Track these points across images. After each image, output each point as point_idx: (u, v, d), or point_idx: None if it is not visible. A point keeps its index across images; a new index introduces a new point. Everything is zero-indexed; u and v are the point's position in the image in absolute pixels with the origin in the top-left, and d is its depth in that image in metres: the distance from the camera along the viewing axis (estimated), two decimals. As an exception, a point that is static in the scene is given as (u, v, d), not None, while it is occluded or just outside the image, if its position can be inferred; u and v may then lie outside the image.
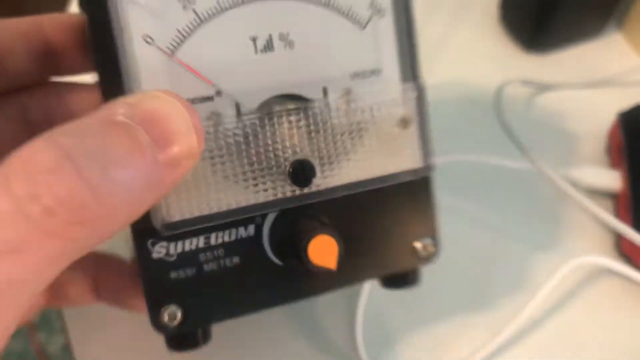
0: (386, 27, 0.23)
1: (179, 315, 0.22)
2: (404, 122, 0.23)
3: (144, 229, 0.21)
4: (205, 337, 0.24)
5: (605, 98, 0.43)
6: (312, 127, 0.21)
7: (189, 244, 0.22)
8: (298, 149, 0.21)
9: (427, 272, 0.33)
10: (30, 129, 0.25)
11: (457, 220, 0.36)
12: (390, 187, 0.23)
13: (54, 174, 0.14)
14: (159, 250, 0.21)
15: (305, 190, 0.22)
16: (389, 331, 0.32)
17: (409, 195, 0.24)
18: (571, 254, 0.32)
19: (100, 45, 0.19)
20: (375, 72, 0.23)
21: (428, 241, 0.25)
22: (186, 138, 0.17)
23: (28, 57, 0.24)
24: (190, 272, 0.22)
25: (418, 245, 0.25)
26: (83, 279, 0.27)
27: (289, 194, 0.21)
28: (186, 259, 0.22)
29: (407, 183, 0.23)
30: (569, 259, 0.32)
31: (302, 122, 0.21)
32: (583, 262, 0.32)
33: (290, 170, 0.21)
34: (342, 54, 0.22)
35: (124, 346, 0.31)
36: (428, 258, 0.25)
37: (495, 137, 0.36)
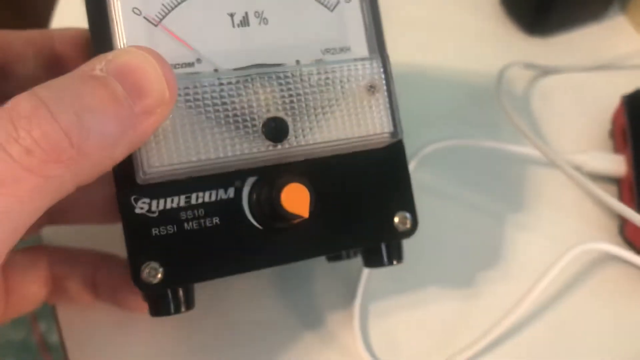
0: (353, 10, 0.25)
1: (159, 273, 0.22)
2: (372, 89, 0.24)
3: (128, 185, 0.22)
4: (188, 304, 0.24)
5: (609, 81, 0.42)
6: (284, 88, 0.23)
7: (171, 202, 0.23)
8: (272, 108, 0.23)
9: (430, 258, 0.33)
10: None
11: (460, 206, 0.35)
12: (366, 160, 0.25)
13: (31, 118, 0.16)
14: (141, 206, 0.22)
15: (279, 146, 0.23)
16: (388, 320, 0.31)
17: (384, 168, 0.26)
18: (575, 241, 0.31)
19: (94, 16, 0.22)
20: (344, 49, 0.25)
21: (406, 215, 0.26)
22: (158, 87, 0.18)
23: (36, 64, 0.25)
24: (171, 229, 0.23)
25: (396, 219, 0.26)
26: (82, 275, 0.28)
27: (263, 148, 0.23)
28: (168, 216, 0.22)
29: (383, 157, 0.25)
30: (573, 245, 0.31)
31: (275, 83, 0.23)
32: (587, 248, 0.31)
33: (264, 126, 0.23)
34: (313, 32, 0.24)
35: (117, 345, 0.30)
36: (406, 232, 0.26)
37: (498, 122, 0.36)
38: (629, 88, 0.38)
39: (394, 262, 0.27)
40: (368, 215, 0.25)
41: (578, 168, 0.36)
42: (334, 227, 0.25)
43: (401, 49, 0.42)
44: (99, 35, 0.22)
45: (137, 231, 0.22)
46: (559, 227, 0.34)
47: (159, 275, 0.22)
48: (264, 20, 0.23)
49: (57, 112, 0.17)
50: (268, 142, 0.23)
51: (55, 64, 0.26)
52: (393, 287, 0.32)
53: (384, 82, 0.25)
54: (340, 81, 0.24)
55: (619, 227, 0.34)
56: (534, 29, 0.44)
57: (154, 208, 0.22)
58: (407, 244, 0.30)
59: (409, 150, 0.36)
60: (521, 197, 0.36)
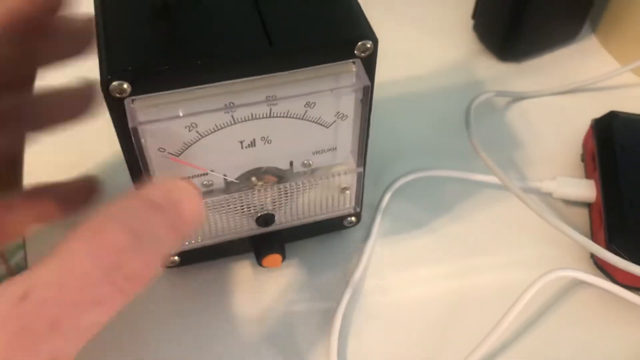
0: (346, 124, 0.28)
1: None
2: (345, 189, 0.31)
3: None
4: None
5: (581, 104, 0.43)
6: (276, 195, 0.29)
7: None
8: (265, 206, 0.30)
9: (401, 288, 0.33)
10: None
11: (431, 236, 0.36)
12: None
13: (129, 252, 0.19)
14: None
15: (267, 229, 0.31)
16: (365, 350, 0.32)
17: None
18: (547, 267, 0.32)
19: (128, 153, 0.25)
20: (331, 149, 0.29)
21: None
22: (198, 219, 0.22)
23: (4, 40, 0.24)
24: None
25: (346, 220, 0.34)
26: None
27: (254, 228, 0.31)
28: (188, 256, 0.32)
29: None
30: (545, 272, 0.32)
31: (269, 191, 0.29)
32: (559, 275, 0.32)
33: (257, 219, 0.30)
34: (308, 142, 0.28)
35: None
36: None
37: (470, 151, 0.36)
38: (601, 110, 0.38)
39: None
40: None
41: (549, 194, 0.37)
42: None
43: (375, 80, 0.43)
44: (133, 163, 0.25)
45: None
46: (530, 254, 0.35)
47: None
48: (268, 141, 0.27)
49: (147, 245, 0.19)
50: (258, 227, 0.30)
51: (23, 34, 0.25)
52: (370, 315, 0.33)
53: (355, 186, 0.31)
54: (322, 186, 0.30)
55: (591, 253, 0.34)
56: (506, 54, 0.45)
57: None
58: (384, 269, 0.34)
59: (383, 183, 0.37)
60: (492, 224, 0.36)
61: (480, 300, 0.33)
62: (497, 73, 0.45)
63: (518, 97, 0.43)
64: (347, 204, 0.32)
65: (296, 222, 0.31)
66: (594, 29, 0.48)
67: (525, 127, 0.41)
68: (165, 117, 0.23)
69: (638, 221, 0.32)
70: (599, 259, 0.33)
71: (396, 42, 0.46)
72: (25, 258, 0.36)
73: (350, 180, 0.30)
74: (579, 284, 0.34)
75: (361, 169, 0.30)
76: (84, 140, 0.41)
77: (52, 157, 0.37)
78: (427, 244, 0.35)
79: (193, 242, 0.30)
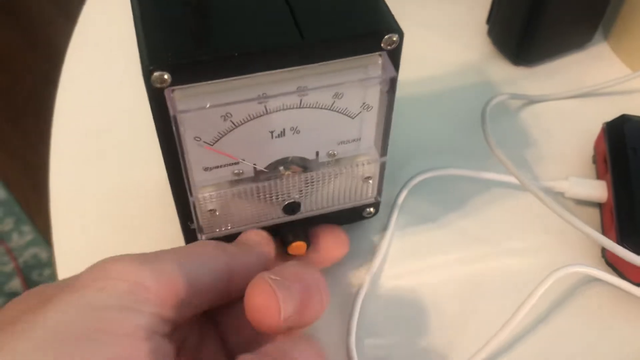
0: (371, 115, 0.29)
1: None
2: (368, 179, 0.32)
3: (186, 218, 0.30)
4: None
5: (593, 108, 0.44)
6: (302, 183, 0.30)
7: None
8: (292, 194, 0.31)
9: (416, 280, 0.34)
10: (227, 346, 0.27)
11: (446, 232, 0.37)
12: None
13: None
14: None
15: (292, 216, 0.32)
16: (380, 343, 0.33)
17: None
18: (559, 264, 0.33)
19: (165, 142, 0.26)
20: (356, 139, 0.30)
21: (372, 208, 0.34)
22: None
23: (215, 300, 0.25)
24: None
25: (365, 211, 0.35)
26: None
27: (281, 216, 0.32)
28: None
29: None
30: (557, 268, 0.32)
31: (297, 177, 0.30)
32: (570, 271, 0.33)
33: (284, 207, 0.31)
34: (334, 133, 0.29)
35: None
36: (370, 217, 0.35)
37: (485, 151, 0.37)
38: (612, 114, 0.39)
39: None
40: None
41: (562, 193, 0.37)
42: None
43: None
44: (169, 153, 0.26)
45: (193, 237, 0.31)
46: (542, 251, 0.36)
47: None
48: (297, 132, 0.28)
49: None
50: (285, 214, 0.31)
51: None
52: (386, 312, 0.33)
53: (377, 175, 0.32)
54: (345, 176, 0.31)
55: (601, 249, 0.35)
56: (520, 58, 0.46)
57: None
58: (399, 265, 0.34)
59: (400, 180, 0.38)
60: (506, 222, 0.37)
61: (492, 294, 0.34)
62: (511, 77, 0.46)
63: (531, 100, 0.44)
64: (369, 193, 0.33)
65: (321, 211, 0.32)
66: (605, 35, 0.49)
67: (538, 129, 0.42)
68: (203, 107, 0.25)
69: (648, 221, 0.33)
70: (610, 256, 0.34)
71: (413, 45, 0.48)
72: (53, 260, 0.37)
73: (373, 169, 0.31)
74: (590, 280, 0.35)
75: (384, 159, 0.31)
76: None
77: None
78: (442, 239, 0.36)
79: (224, 229, 0.31)
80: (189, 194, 0.28)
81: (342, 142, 0.30)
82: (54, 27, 1.73)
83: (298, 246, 0.31)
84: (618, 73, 0.45)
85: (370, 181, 0.32)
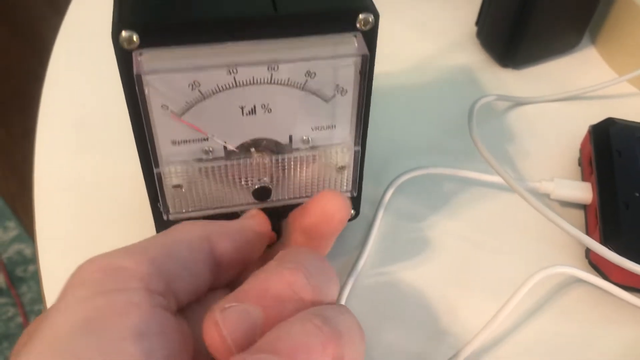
0: (346, 100, 0.28)
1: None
2: (342, 169, 0.31)
3: (159, 219, 0.30)
4: None
5: (579, 111, 0.44)
6: (274, 166, 0.29)
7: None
8: (262, 178, 0.30)
9: (399, 280, 0.34)
10: None
11: (430, 232, 0.37)
12: None
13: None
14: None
15: (263, 204, 0.31)
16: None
17: None
18: (542, 264, 0.33)
19: (132, 108, 0.26)
20: (330, 127, 0.29)
21: (353, 212, 0.34)
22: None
23: (205, 275, 0.25)
24: None
25: None
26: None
27: (251, 202, 0.31)
28: None
29: None
30: (540, 268, 0.33)
31: (268, 162, 0.29)
32: (553, 272, 0.33)
33: (254, 191, 0.30)
34: (308, 116, 0.29)
35: None
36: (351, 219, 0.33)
37: (471, 151, 0.38)
38: (598, 117, 0.40)
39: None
40: None
41: (548, 195, 0.38)
42: None
43: (382, 82, 0.45)
44: (138, 126, 0.27)
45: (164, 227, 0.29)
46: (526, 251, 0.36)
47: None
48: (268, 110, 0.28)
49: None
50: (255, 200, 0.30)
51: (215, 264, 0.26)
52: (372, 307, 0.34)
53: (352, 165, 0.31)
54: (319, 163, 0.30)
55: (585, 251, 0.36)
56: (508, 60, 0.46)
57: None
58: (384, 263, 0.33)
59: (386, 179, 0.38)
60: (491, 222, 0.37)
61: (476, 293, 0.34)
62: (498, 79, 0.46)
63: (518, 102, 0.44)
64: (344, 185, 0.32)
65: (292, 201, 0.31)
66: (593, 40, 0.49)
67: (524, 131, 0.43)
68: (170, 69, 0.25)
69: (632, 223, 0.34)
70: (594, 257, 0.34)
71: (402, 46, 0.48)
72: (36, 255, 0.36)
73: (347, 159, 0.30)
74: (574, 281, 0.35)
75: (358, 148, 0.30)
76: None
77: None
78: (427, 238, 0.36)
79: (191, 210, 0.30)
80: (153, 165, 0.28)
81: (317, 128, 0.29)
82: (42, 21, 1.72)
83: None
84: (605, 77, 0.46)
85: (345, 172, 0.31)
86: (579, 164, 0.40)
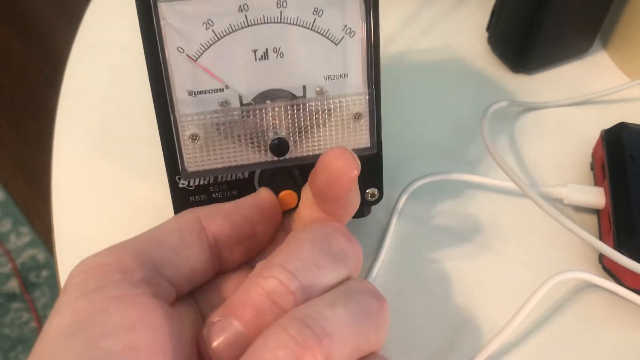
0: (355, 44, 0.29)
1: None
2: (357, 116, 0.31)
3: (174, 169, 0.30)
4: None
5: (591, 115, 0.44)
6: (289, 115, 0.30)
7: (203, 180, 0.31)
8: (278, 130, 0.30)
9: (413, 286, 0.35)
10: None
11: (444, 236, 0.37)
12: None
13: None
14: (183, 183, 0.31)
15: (281, 158, 0.30)
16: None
17: (364, 160, 0.30)
18: (557, 269, 0.33)
19: (150, 53, 0.28)
20: (343, 75, 0.30)
21: (375, 190, 0.33)
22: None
23: (200, 256, 0.25)
24: (203, 197, 0.31)
25: (368, 191, 0.33)
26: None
27: (269, 159, 0.30)
28: (201, 189, 0.31)
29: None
30: (554, 274, 0.33)
31: (283, 111, 0.29)
32: (567, 277, 0.33)
33: (271, 144, 0.30)
34: (320, 62, 0.29)
35: None
36: (374, 201, 0.33)
37: (484, 157, 0.38)
38: (610, 121, 0.40)
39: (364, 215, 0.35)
40: None
41: (561, 200, 0.38)
42: None
43: (395, 87, 0.45)
44: (154, 69, 0.28)
45: (180, 198, 0.31)
46: (541, 256, 0.36)
47: None
48: (281, 54, 0.29)
49: None
50: (272, 155, 0.30)
51: (213, 250, 0.26)
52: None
53: (367, 112, 0.30)
54: (334, 110, 0.30)
55: (599, 256, 0.36)
56: (519, 66, 0.46)
57: (191, 183, 0.31)
58: (398, 269, 0.33)
59: (401, 184, 0.38)
60: (505, 227, 0.37)
61: (491, 299, 0.34)
62: (510, 84, 0.46)
63: (530, 108, 0.44)
64: (362, 136, 0.31)
65: (311, 159, 0.30)
66: (604, 44, 0.49)
67: (537, 136, 0.43)
68: (184, 4, 0.27)
69: (646, 227, 0.34)
70: (608, 263, 0.34)
71: (413, 52, 0.48)
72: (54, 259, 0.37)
73: (362, 104, 0.30)
74: (587, 286, 0.35)
75: (372, 91, 0.30)
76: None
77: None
78: (441, 244, 0.37)
79: (207, 164, 0.30)
80: (170, 111, 0.28)
81: (329, 77, 0.30)
82: (54, 28, 1.73)
83: (287, 196, 0.30)
84: (616, 81, 0.46)
85: (362, 120, 0.31)
86: (592, 169, 0.40)
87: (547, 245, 0.37)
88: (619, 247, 0.33)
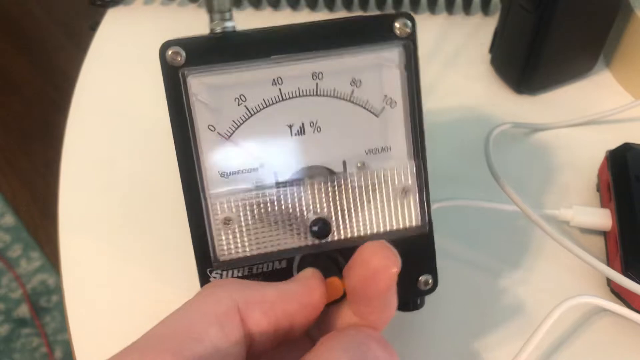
0: (397, 114, 0.28)
1: None
2: (405, 191, 0.28)
3: (205, 261, 0.27)
4: None
5: (596, 136, 0.44)
6: (330, 194, 0.27)
7: (237, 272, 0.28)
8: (319, 209, 0.28)
9: (423, 314, 0.34)
10: None
11: (452, 264, 0.37)
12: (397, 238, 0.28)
13: None
14: (214, 276, 0.28)
15: (323, 241, 0.28)
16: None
17: (413, 241, 0.29)
18: (566, 293, 0.33)
19: (178, 132, 0.26)
20: (385, 149, 0.28)
21: (429, 277, 0.30)
22: None
23: (240, 352, 0.23)
24: None
25: (421, 279, 0.29)
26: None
27: (309, 243, 0.28)
28: None
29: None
30: (564, 299, 0.32)
31: (323, 189, 0.27)
32: (577, 302, 0.33)
33: (311, 226, 0.27)
34: (360, 135, 0.28)
35: None
36: (428, 290, 0.30)
37: (487, 181, 0.38)
38: (615, 142, 0.40)
39: (418, 308, 0.31)
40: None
41: (567, 222, 0.38)
42: None
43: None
44: (183, 148, 0.26)
45: None
46: (549, 280, 0.36)
47: None
48: (318, 129, 0.27)
49: None
50: (313, 239, 0.28)
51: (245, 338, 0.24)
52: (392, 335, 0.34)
53: (415, 186, 0.28)
54: (379, 186, 0.28)
55: (607, 279, 0.35)
56: (523, 87, 0.46)
57: (224, 277, 0.28)
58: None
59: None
60: (513, 252, 0.37)
61: (500, 326, 0.34)
62: (513, 105, 0.46)
63: (534, 129, 0.44)
64: (412, 214, 0.28)
65: (356, 241, 0.27)
66: (607, 63, 0.49)
67: (542, 157, 0.43)
68: (216, 83, 0.26)
69: (653, 249, 0.33)
70: (616, 286, 0.34)
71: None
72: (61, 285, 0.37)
73: (409, 177, 0.28)
74: (597, 311, 0.34)
75: (419, 162, 0.28)
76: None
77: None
78: (448, 271, 0.36)
79: (240, 251, 0.27)
80: (201, 195, 0.26)
81: (371, 151, 0.28)
82: (63, 54, 1.75)
83: (331, 284, 0.25)
84: (620, 101, 0.46)
85: (410, 195, 0.28)
86: (598, 190, 0.40)
87: (555, 269, 0.36)
88: (626, 269, 0.33)
